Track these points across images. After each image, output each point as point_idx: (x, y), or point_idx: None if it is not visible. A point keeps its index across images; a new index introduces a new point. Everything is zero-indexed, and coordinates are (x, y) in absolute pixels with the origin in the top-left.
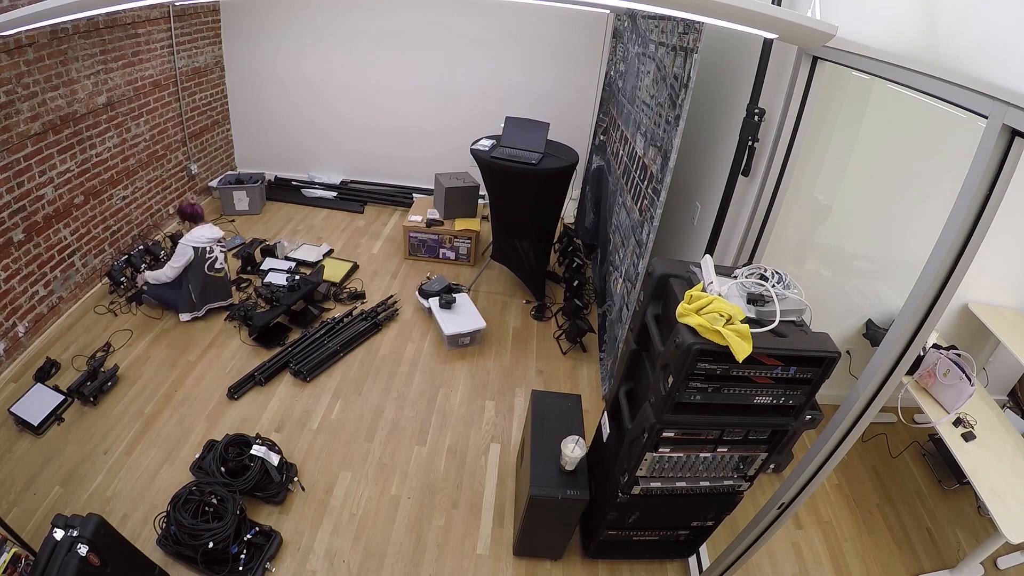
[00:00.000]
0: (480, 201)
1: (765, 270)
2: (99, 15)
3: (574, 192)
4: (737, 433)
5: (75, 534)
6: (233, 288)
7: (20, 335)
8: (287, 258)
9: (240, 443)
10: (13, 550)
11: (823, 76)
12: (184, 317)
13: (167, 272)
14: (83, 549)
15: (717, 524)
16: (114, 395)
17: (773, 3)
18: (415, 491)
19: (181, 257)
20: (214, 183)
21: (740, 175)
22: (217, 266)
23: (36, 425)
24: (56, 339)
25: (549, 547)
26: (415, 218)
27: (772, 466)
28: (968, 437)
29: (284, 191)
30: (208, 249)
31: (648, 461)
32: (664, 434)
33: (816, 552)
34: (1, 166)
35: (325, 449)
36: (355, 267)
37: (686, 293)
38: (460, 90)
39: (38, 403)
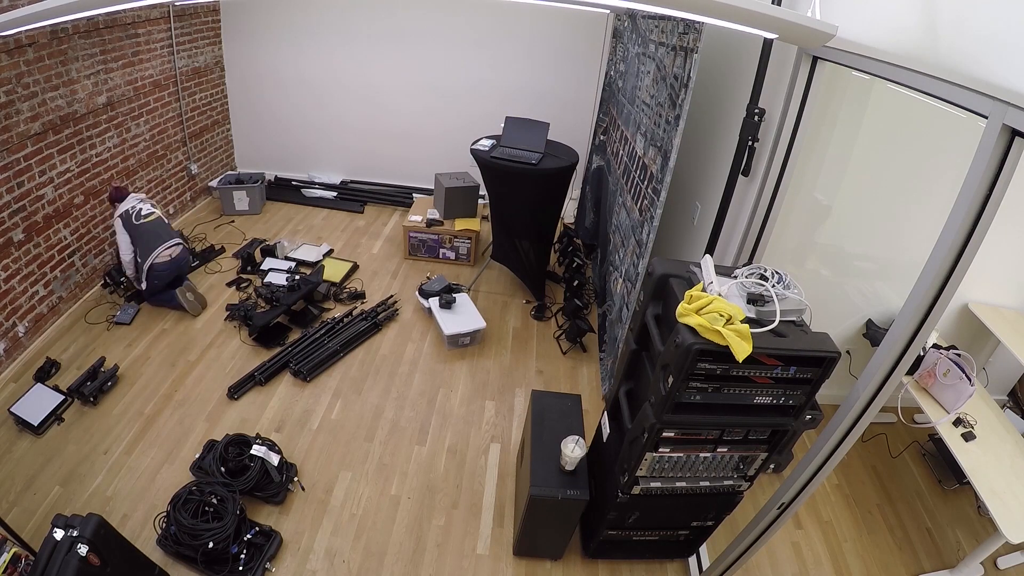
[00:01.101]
0: (480, 201)
1: (765, 270)
2: (99, 15)
3: (574, 192)
4: (737, 433)
5: (75, 534)
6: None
7: (20, 335)
8: (287, 258)
9: (240, 443)
10: (13, 550)
11: (823, 76)
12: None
13: (121, 251)
14: (83, 549)
15: (717, 524)
16: (114, 395)
17: (773, 3)
18: (415, 491)
19: (119, 232)
20: (214, 183)
21: (740, 175)
22: (144, 212)
23: (36, 425)
24: (56, 339)
25: (549, 547)
26: (415, 218)
27: (772, 466)
28: (968, 437)
29: (284, 191)
30: (130, 208)
31: (648, 461)
32: (664, 434)
33: (816, 552)
34: (1, 166)
35: (325, 449)
36: (355, 267)
37: (686, 293)
38: (460, 90)
39: (38, 403)
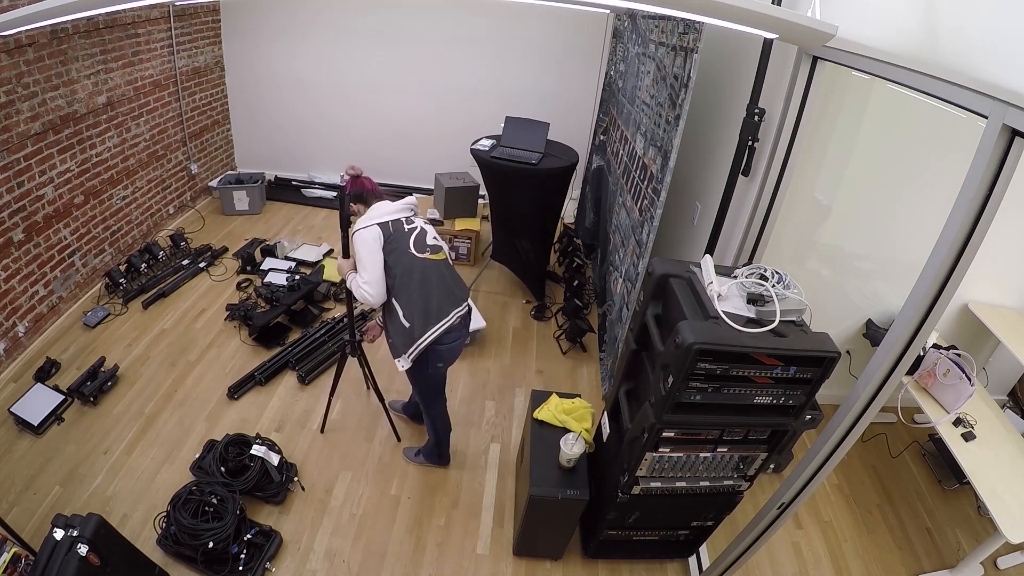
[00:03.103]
0: (480, 201)
1: (765, 270)
2: (99, 15)
3: (574, 192)
4: (737, 433)
5: (75, 534)
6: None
7: (20, 335)
8: (287, 258)
9: (240, 443)
10: (13, 550)
11: (823, 76)
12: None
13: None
14: (83, 549)
15: (717, 524)
16: (114, 395)
17: (773, 3)
18: (415, 491)
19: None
20: (214, 183)
21: (740, 175)
22: (429, 241)
23: (36, 425)
24: (56, 339)
25: (549, 547)
26: None
27: (772, 466)
28: (968, 437)
29: (284, 191)
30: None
31: (648, 461)
32: (664, 434)
33: (816, 552)
34: (1, 166)
35: (325, 449)
36: None
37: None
38: (460, 90)
39: (38, 403)
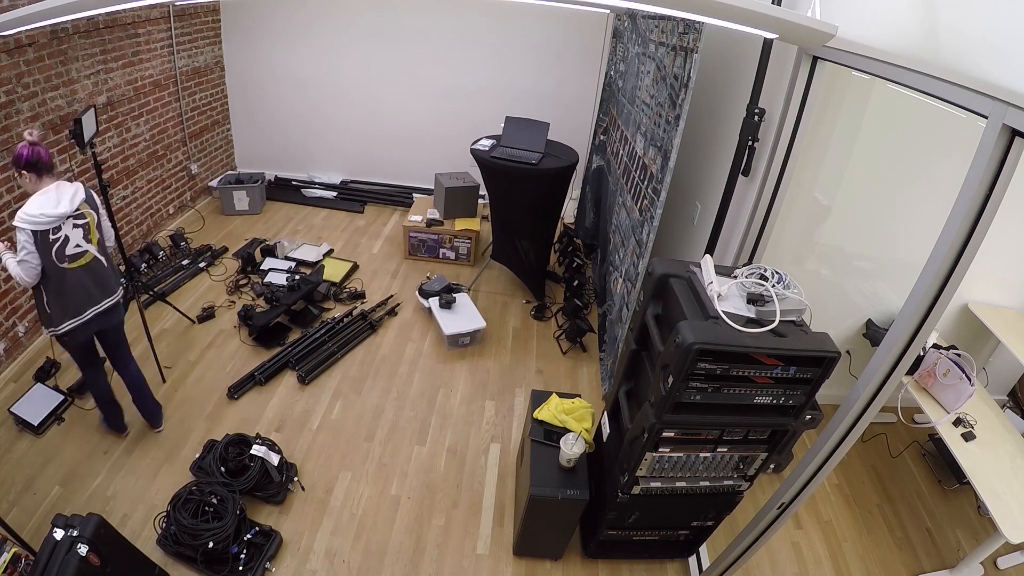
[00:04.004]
0: (480, 201)
1: (765, 270)
2: (99, 15)
3: (574, 192)
4: (737, 433)
5: (75, 534)
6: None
7: (20, 335)
8: (287, 258)
9: (240, 443)
10: (13, 550)
11: (823, 76)
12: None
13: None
14: (83, 549)
15: (717, 524)
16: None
17: (773, 3)
18: (415, 491)
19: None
20: (214, 183)
21: (740, 175)
22: (70, 250)
23: (36, 425)
24: None
25: (549, 547)
26: (415, 218)
27: (772, 466)
28: (968, 437)
29: (284, 191)
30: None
31: (648, 461)
32: (664, 434)
33: (816, 552)
34: (1, 166)
35: (325, 449)
36: (355, 267)
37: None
38: (460, 90)
39: (38, 403)
